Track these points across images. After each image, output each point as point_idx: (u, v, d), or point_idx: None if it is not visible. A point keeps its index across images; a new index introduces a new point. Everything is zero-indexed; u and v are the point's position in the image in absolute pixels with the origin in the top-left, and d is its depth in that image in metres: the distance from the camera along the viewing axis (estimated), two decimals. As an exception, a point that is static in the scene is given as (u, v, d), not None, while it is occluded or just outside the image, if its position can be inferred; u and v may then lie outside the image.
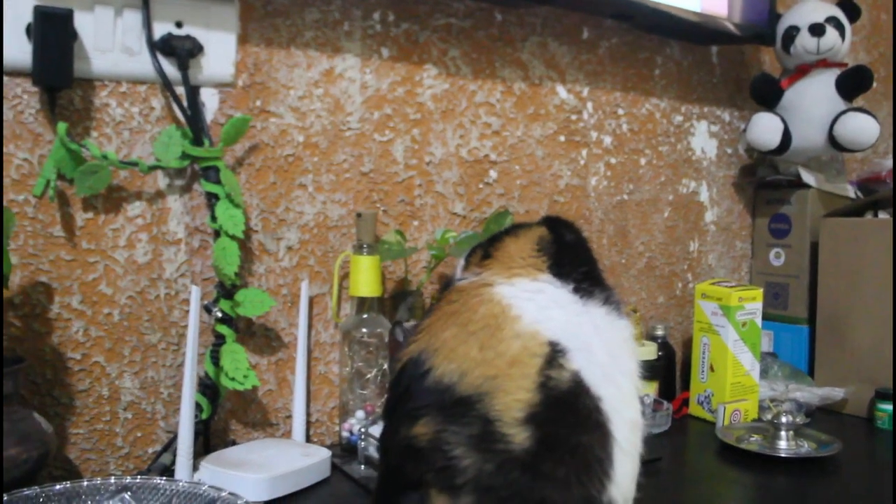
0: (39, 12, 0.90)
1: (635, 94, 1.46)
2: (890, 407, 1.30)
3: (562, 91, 1.36)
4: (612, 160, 1.43)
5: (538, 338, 0.68)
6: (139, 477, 0.86)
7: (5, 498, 0.78)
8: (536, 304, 0.71)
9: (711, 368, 1.31)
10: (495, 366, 0.66)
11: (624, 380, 0.72)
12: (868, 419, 1.35)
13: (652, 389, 1.32)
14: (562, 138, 1.37)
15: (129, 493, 0.85)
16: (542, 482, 0.64)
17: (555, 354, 0.67)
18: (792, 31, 1.48)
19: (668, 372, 1.41)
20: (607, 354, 0.71)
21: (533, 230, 0.81)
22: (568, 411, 0.67)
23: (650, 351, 1.33)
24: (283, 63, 1.09)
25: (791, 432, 1.17)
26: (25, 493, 0.80)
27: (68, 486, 0.83)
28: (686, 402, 1.36)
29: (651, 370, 1.32)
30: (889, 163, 1.71)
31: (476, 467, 0.64)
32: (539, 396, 0.65)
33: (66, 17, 0.91)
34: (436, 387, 0.66)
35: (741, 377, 1.30)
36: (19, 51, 0.92)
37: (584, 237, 0.83)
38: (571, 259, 0.77)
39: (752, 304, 1.32)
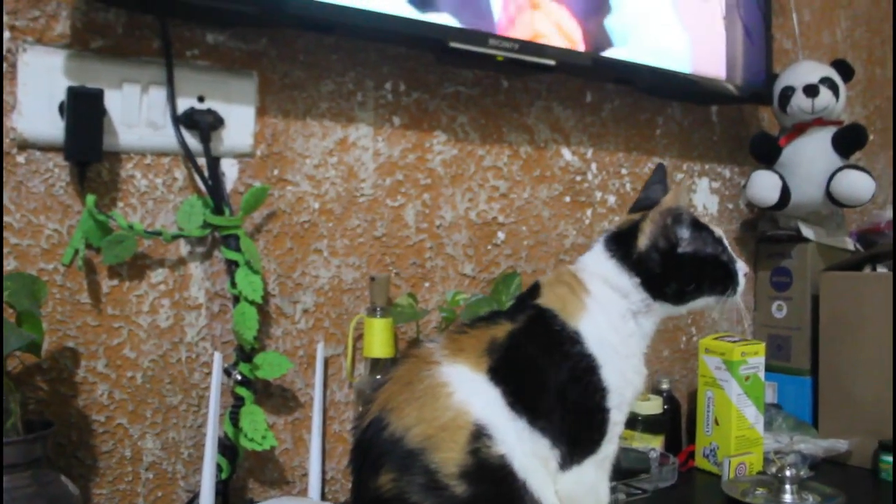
0: (72, 92, 0.95)
1: (638, 153, 1.50)
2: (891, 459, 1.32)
3: (566, 153, 1.41)
4: (617, 219, 1.47)
5: (466, 415, 0.78)
6: (162, 538, 0.89)
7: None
8: (470, 389, 0.80)
9: (716, 422, 1.34)
10: (432, 426, 0.77)
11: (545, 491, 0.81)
12: (872, 471, 1.36)
13: (658, 443, 1.34)
14: (567, 199, 1.41)
15: (152, 554, 0.88)
16: None
17: (480, 433, 0.78)
18: (787, 92, 1.53)
19: (674, 425, 1.44)
20: (528, 464, 0.80)
21: (497, 328, 0.85)
22: (498, 479, 0.77)
23: (656, 405, 1.36)
24: (299, 133, 1.14)
25: (795, 486, 1.19)
26: (54, 555, 0.83)
27: (94, 548, 0.86)
28: (692, 455, 1.38)
29: (656, 424, 1.34)
30: (888, 214, 1.75)
31: None
32: (470, 460, 0.77)
33: (97, 96, 0.97)
34: (390, 439, 0.78)
35: (745, 430, 1.33)
36: (52, 127, 0.97)
37: (551, 350, 0.85)
38: (510, 369, 0.82)
39: (755, 358, 1.34)
